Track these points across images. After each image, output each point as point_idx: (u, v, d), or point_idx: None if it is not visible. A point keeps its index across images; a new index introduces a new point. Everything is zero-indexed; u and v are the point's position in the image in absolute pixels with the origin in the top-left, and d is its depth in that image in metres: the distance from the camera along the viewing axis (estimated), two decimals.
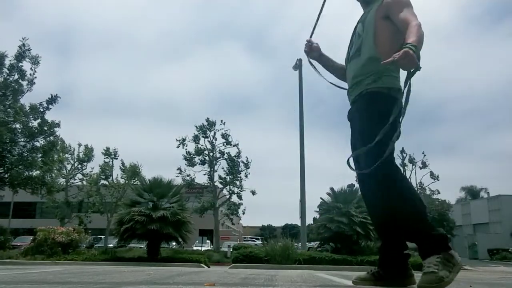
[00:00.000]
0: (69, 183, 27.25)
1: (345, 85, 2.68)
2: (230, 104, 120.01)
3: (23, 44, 15.05)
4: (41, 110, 15.33)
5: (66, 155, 26.66)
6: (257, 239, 43.44)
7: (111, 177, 26.56)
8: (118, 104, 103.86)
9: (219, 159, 24.66)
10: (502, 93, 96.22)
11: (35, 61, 15.19)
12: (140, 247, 15.89)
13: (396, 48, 2.18)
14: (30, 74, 15.20)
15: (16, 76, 15.08)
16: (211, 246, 28.28)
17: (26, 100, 15.77)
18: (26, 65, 15.21)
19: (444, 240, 2.09)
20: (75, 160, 27.43)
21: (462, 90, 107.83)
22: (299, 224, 20.15)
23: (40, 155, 15.59)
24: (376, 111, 2.32)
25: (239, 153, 24.62)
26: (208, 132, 24.55)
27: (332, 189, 14.09)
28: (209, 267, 10.81)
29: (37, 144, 15.61)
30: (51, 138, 15.75)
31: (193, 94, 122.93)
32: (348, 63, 2.60)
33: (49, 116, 15.75)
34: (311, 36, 2.82)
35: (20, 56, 14.99)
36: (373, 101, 2.35)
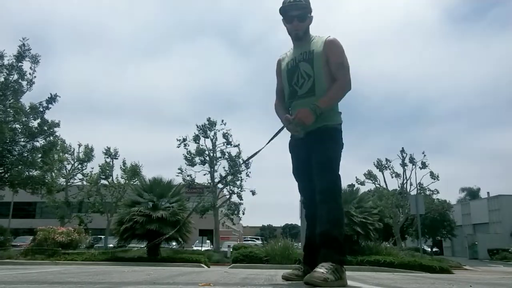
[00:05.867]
0: (69, 183, 27.25)
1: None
2: (217, 101, 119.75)
3: (23, 44, 15.03)
4: (41, 110, 15.32)
5: (66, 155, 26.66)
6: (257, 239, 43.46)
7: (111, 177, 26.56)
8: (98, 103, 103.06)
9: (219, 159, 24.65)
10: (490, 92, 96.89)
11: (35, 60, 15.15)
12: (140, 247, 15.88)
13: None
14: (30, 74, 15.18)
15: (16, 76, 15.06)
16: (211, 246, 28.29)
17: (22, 100, 15.67)
18: (25, 64, 15.21)
19: (344, 259, 2.54)
20: (75, 160, 27.45)
21: (451, 89, 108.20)
22: (299, 224, 20.17)
23: (40, 155, 15.57)
24: (336, 143, 2.76)
25: (239, 153, 24.62)
26: (208, 132, 24.53)
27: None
28: (209, 267, 10.81)
29: (37, 144, 15.60)
30: (51, 138, 15.73)
31: (176, 92, 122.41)
32: (296, 100, 2.83)
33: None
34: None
35: (20, 57, 14.95)
36: (334, 134, 2.76)
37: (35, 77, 15.24)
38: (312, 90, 2.76)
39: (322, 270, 2.29)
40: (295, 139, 2.91)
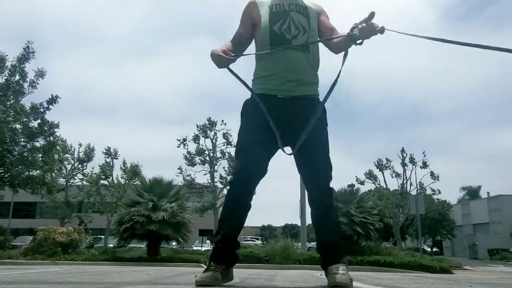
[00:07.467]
0: (69, 183, 27.24)
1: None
2: (217, 101, 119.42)
3: (27, 47, 15.08)
4: (41, 110, 15.35)
5: (67, 155, 26.64)
6: (257, 239, 43.43)
7: (111, 177, 26.55)
8: (98, 103, 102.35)
9: (219, 159, 24.65)
10: (489, 92, 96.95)
11: (41, 74, 15.31)
12: (140, 247, 15.89)
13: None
14: (34, 81, 15.31)
15: (18, 77, 15.09)
16: (211, 246, 28.28)
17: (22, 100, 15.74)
18: (28, 67, 15.27)
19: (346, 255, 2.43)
20: (75, 160, 27.43)
21: (450, 89, 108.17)
22: (299, 224, 20.16)
23: (40, 155, 15.59)
24: (325, 123, 2.44)
25: None
26: (208, 132, 24.53)
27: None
28: None
29: (37, 144, 15.62)
30: (51, 138, 15.75)
31: (176, 92, 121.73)
32: (288, 49, 2.33)
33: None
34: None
35: (23, 58, 14.99)
36: (324, 112, 2.42)
37: (38, 83, 15.40)
38: (307, 46, 2.38)
39: (342, 272, 2.17)
40: (259, 100, 2.31)
